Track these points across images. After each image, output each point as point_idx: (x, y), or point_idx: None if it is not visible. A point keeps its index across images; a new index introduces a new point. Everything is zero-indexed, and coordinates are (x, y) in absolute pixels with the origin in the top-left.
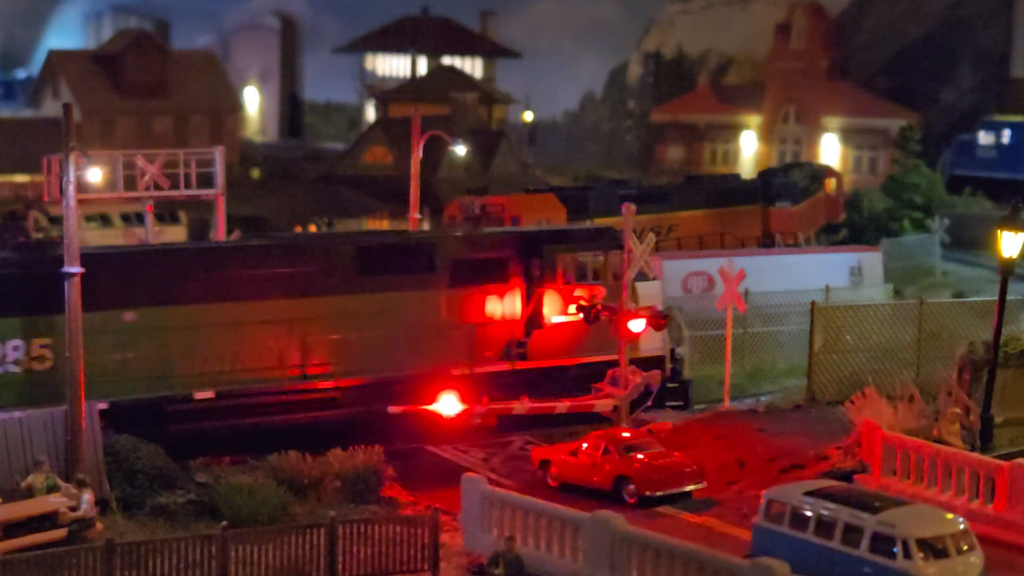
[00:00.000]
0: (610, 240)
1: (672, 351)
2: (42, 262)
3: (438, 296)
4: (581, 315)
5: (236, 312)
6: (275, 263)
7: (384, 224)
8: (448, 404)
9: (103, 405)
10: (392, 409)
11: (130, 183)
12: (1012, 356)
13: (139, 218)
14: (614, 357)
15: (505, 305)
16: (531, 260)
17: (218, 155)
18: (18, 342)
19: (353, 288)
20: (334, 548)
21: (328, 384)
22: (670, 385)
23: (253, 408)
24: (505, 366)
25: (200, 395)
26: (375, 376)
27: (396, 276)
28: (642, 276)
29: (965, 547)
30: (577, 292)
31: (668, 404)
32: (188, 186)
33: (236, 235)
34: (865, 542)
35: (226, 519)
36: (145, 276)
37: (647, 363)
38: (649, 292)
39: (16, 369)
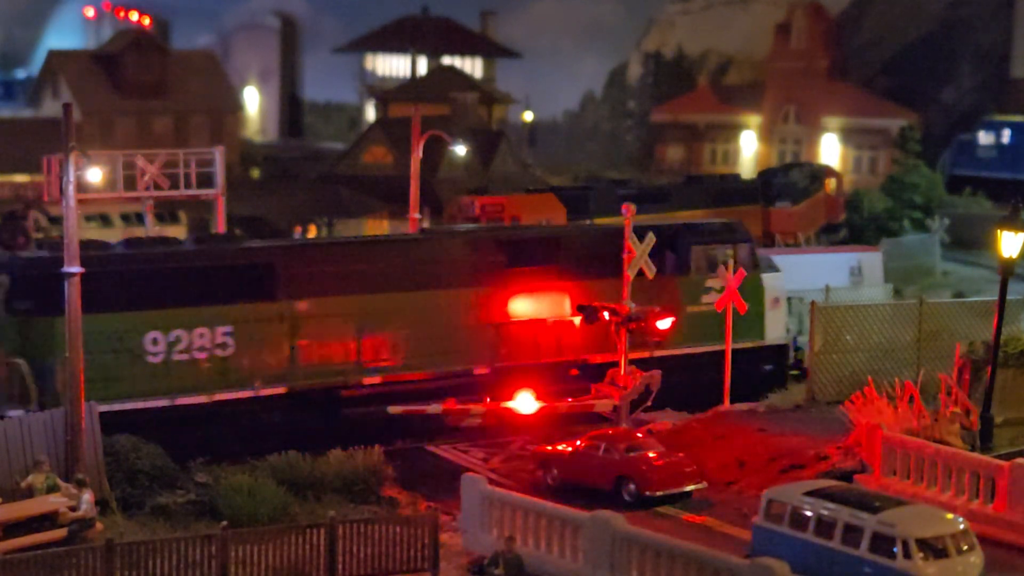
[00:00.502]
0: (738, 234)
1: (794, 340)
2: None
3: (581, 288)
4: (581, 315)
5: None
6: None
7: (384, 224)
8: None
9: (281, 390)
10: (392, 409)
11: (130, 183)
12: (1012, 356)
13: (139, 218)
14: (749, 344)
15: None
16: (666, 252)
17: (218, 155)
18: (204, 330)
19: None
20: (334, 548)
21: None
22: (793, 372)
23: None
24: (645, 353)
25: (368, 381)
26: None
27: (538, 268)
28: (771, 268)
29: (965, 547)
30: (709, 283)
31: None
32: (188, 186)
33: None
34: (865, 542)
35: (226, 519)
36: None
37: (773, 351)
38: (774, 283)
39: (202, 356)
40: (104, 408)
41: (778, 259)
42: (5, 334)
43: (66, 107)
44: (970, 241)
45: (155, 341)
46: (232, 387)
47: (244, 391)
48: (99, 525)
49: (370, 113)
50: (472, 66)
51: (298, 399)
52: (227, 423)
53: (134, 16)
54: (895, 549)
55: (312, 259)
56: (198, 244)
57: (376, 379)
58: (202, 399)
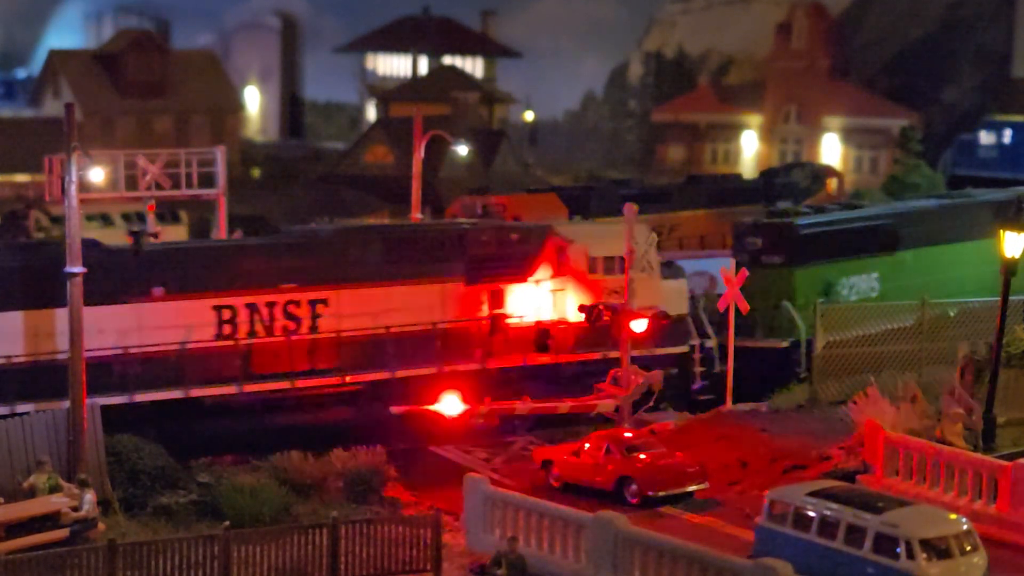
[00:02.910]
0: None
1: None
2: None
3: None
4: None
5: None
6: None
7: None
8: (450, 404)
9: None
10: (395, 409)
11: (131, 183)
12: (1014, 356)
13: (140, 217)
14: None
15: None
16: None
17: (219, 155)
18: None
19: None
20: (336, 548)
21: None
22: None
23: None
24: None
25: None
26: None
27: None
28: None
29: (968, 547)
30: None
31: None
32: (189, 186)
33: (237, 235)
34: (868, 543)
35: (228, 519)
36: None
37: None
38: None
39: None
40: None
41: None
42: (757, 281)
43: (68, 107)
44: None
45: None
46: None
47: None
48: (101, 525)
49: (371, 113)
50: (473, 66)
51: None
52: None
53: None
54: (898, 550)
55: None
56: None
57: None
58: None
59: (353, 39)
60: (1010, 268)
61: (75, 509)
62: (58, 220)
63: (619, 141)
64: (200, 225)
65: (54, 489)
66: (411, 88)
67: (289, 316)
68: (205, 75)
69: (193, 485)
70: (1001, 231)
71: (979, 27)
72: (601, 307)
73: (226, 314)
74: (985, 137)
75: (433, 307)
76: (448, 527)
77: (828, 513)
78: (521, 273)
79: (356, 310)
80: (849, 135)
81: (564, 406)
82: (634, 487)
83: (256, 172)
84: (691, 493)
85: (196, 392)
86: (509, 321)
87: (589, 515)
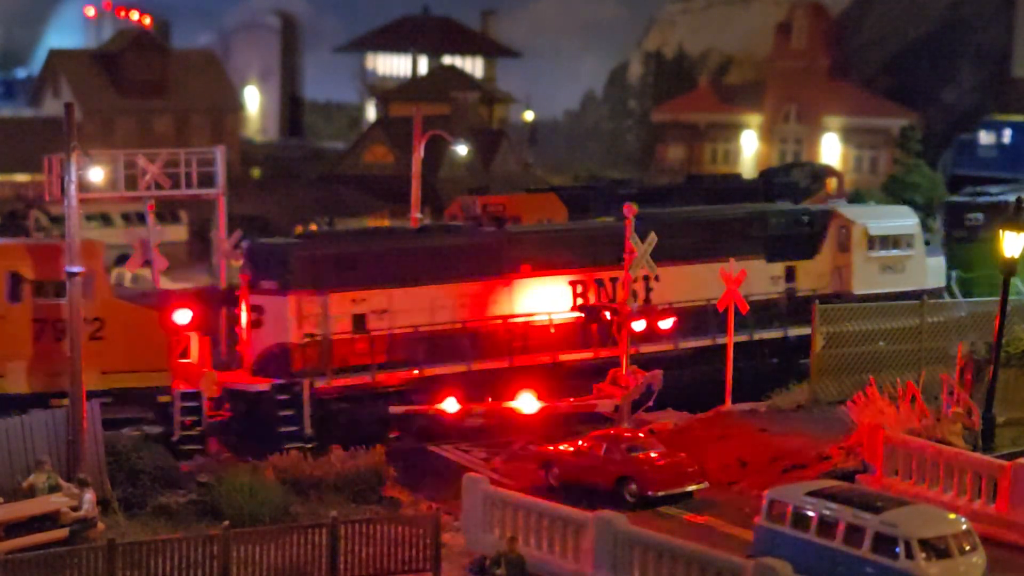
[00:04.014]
0: None
1: None
2: None
3: None
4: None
5: None
6: None
7: (385, 224)
8: (448, 404)
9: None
10: (393, 410)
11: (131, 182)
12: (1014, 356)
13: (140, 217)
14: None
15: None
16: None
17: (219, 154)
18: None
19: None
20: (336, 548)
21: None
22: None
23: None
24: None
25: None
26: None
27: None
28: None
29: (968, 547)
30: None
31: None
32: (189, 186)
33: (237, 235)
34: (867, 542)
35: (228, 519)
36: None
37: None
38: None
39: None
40: None
41: None
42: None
43: (68, 107)
44: None
45: None
46: None
47: None
48: (101, 525)
49: (371, 113)
50: (473, 66)
51: None
52: None
53: (135, 16)
54: (897, 549)
55: None
56: None
57: None
58: None
59: (353, 39)
60: (1010, 268)
61: (74, 509)
62: (58, 220)
63: (619, 141)
64: (200, 225)
65: (53, 489)
66: (411, 88)
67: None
68: (205, 75)
69: (192, 485)
70: (1001, 230)
71: (979, 27)
72: (601, 306)
73: (577, 288)
74: (985, 137)
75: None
76: (447, 527)
77: (827, 513)
78: (811, 251)
79: (679, 284)
80: (849, 135)
81: (564, 406)
82: (634, 487)
83: (256, 172)
84: (690, 493)
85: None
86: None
87: (589, 515)
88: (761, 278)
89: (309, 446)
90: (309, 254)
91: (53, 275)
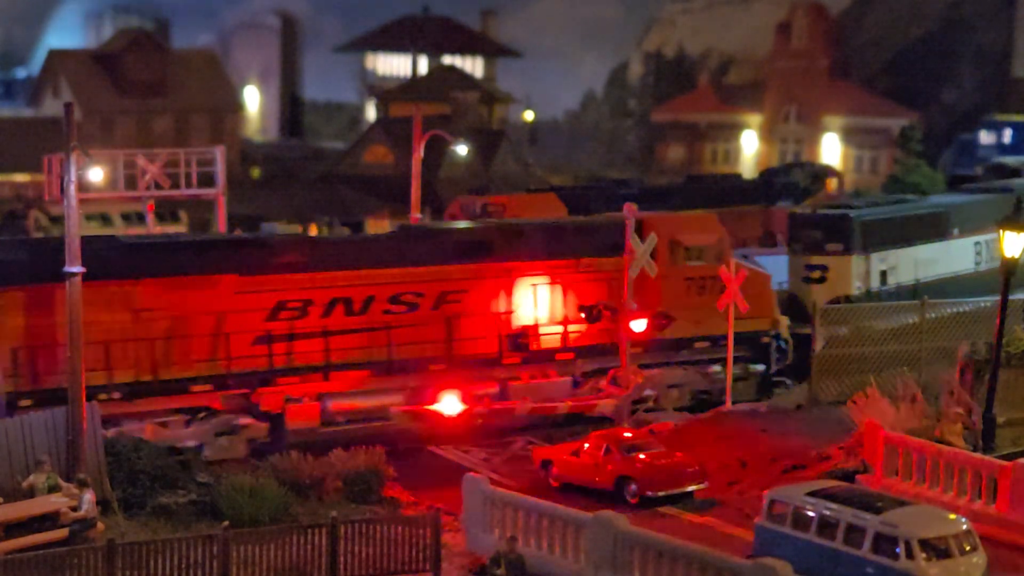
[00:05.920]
0: None
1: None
2: None
3: None
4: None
5: None
6: None
7: (385, 224)
8: (449, 404)
9: None
10: (394, 409)
11: (131, 182)
12: (1014, 356)
13: (140, 217)
14: None
15: None
16: None
17: (219, 154)
18: None
19: None
20: (335, 548)
21: None
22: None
23: None
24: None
25: None
26: None
27: None
28: None
29: (968, 547)
30: None
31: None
32: (189, 185)
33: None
34: (868, 542)
35: (227, 519)
36: None
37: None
38: None
39: None
40: None
41: (780, 259)
42: None
43: (67, 106)
44: None
45: None
46: None
47: None
48: (100, 525)
49: (371, 112)
50: (473, 65)
51: None
52: None
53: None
54: (898, 549)
55: None
56: None
57: None
58: None
59: (353, 39)
60: (1010, 268)
61: (74, 509)
62: (57, 220)
63: (619, 141)
64: (199, 225)
65: (53, 489)
66: (411, 88)
67: None
68: (205, 75)
69: (192, 485)
70: (1001, 230)
71: (979, 27)
72: (601, 306)
73: None
74: (985, 137)
75: None
76: (447, 527)
77: (827, 513)
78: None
79: None
80: (849, 135)
81: (563, 406)
82: (633, 487)
83: (256, 172)
84: (690, 493)
85: None
86: None
87: (589, 515)
88: None
89: None
90: None
91: (696, 243)
